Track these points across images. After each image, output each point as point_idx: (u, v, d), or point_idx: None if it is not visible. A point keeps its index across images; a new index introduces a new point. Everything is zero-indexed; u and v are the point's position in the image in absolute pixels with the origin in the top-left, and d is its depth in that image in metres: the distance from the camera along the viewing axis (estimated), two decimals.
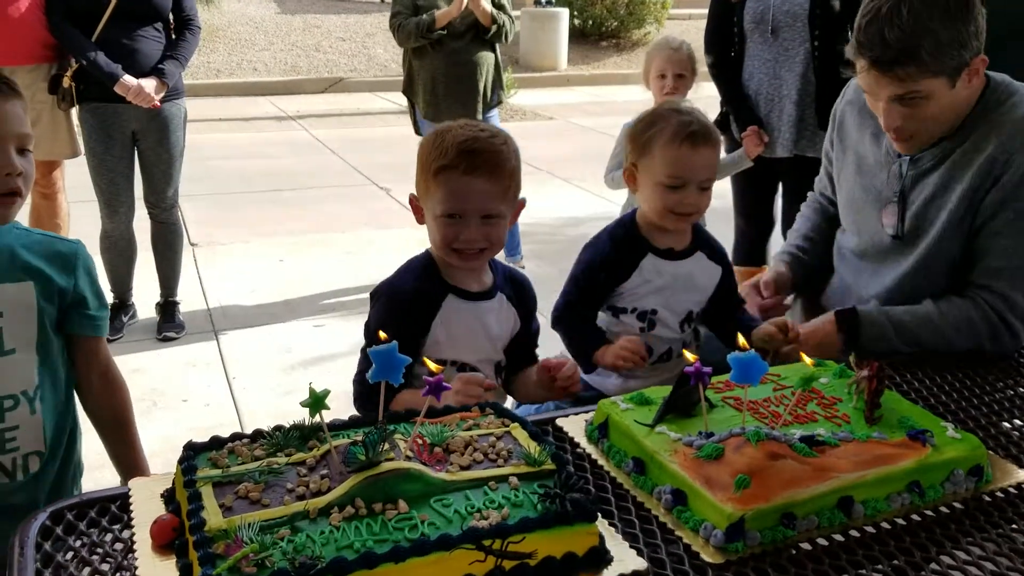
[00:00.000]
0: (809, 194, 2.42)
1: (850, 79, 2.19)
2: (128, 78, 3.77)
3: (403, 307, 1.74)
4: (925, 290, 1.93)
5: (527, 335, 1.89)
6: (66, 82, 3.81)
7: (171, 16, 3.98)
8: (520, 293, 1.88)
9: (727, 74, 3.70)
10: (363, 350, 1.73)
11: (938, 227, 1.91)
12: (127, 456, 1.83)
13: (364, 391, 1.74)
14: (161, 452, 3.12)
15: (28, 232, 1.69)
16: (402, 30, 4.56)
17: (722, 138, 3.83)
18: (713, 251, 2.05)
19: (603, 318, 2.03)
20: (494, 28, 4.54)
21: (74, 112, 3.96)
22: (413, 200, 1.79)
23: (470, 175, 1.66)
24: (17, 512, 1.37)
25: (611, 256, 1.98)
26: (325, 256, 5.34)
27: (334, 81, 11.82)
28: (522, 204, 1.82)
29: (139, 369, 3.82)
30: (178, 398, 3.64)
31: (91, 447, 1.86)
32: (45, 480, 1.69)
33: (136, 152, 4.02)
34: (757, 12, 3.55)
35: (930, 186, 1.93)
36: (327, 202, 6.62)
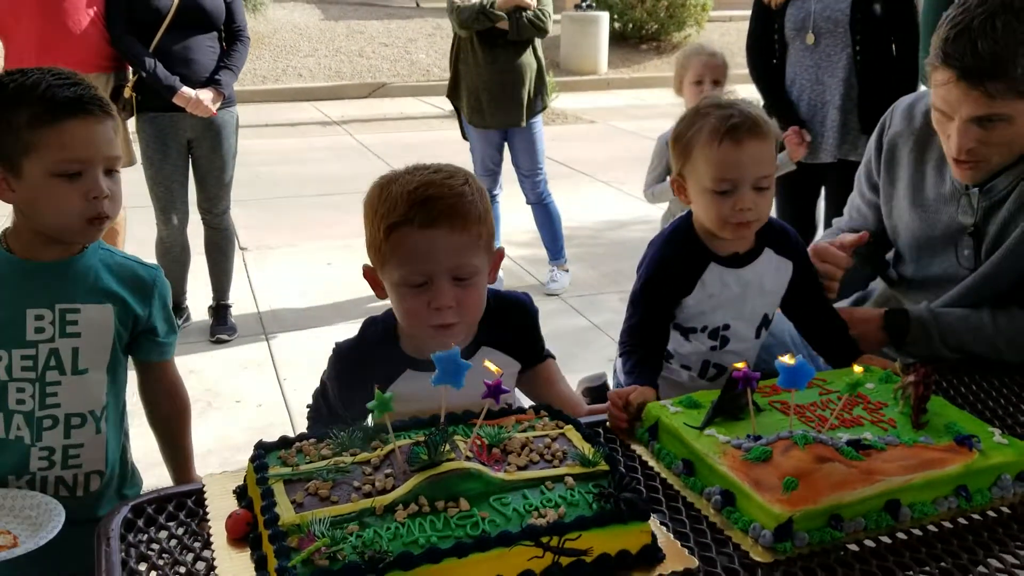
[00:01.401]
0: (836, 220, 2.33)
1: (897, 100, 2.15)
2: (186, 90, 3.89)
3: (353, 378, 1.55)
4: (987, 300, 1.91)
5: (541, 366, 1.69)
6: (127, 92, 3.94)
7: (222, 27, 4.10)
8: (513, 328, 1.64)
9: (770, 80, 3.72)
10: (315, 395, 1.68)
11: (1009, 245, 1.88)
12: (178, 460, 1.87)
13: (314, 420, 1.66)
14: (218, 451, 3.23)
15: (112, 253, 1.71)
16: (465, 11, 4.56)
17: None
18: (782, 244, 1.83)
19: (672, 339, 1.87)
20: (523, 31, 4.57)
21: (130, 121, 4.10)
22: (368, 272, 1.54)
23: (429, 227, 1.40)
24: (74, 525, 1.41)
25: (671, 264, 1.79)
26: None
27: (377, 86, 11.97)
28: (500, 254, 1.57)
29: (194, 370, 3.94)
30: (232, 399, 3.75)
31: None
32: (104, 497, 1.71)
33: (191, 159, 4.15)
34: (798, 19, 3.57)
35: (1004, 213, 1.89)
36: None
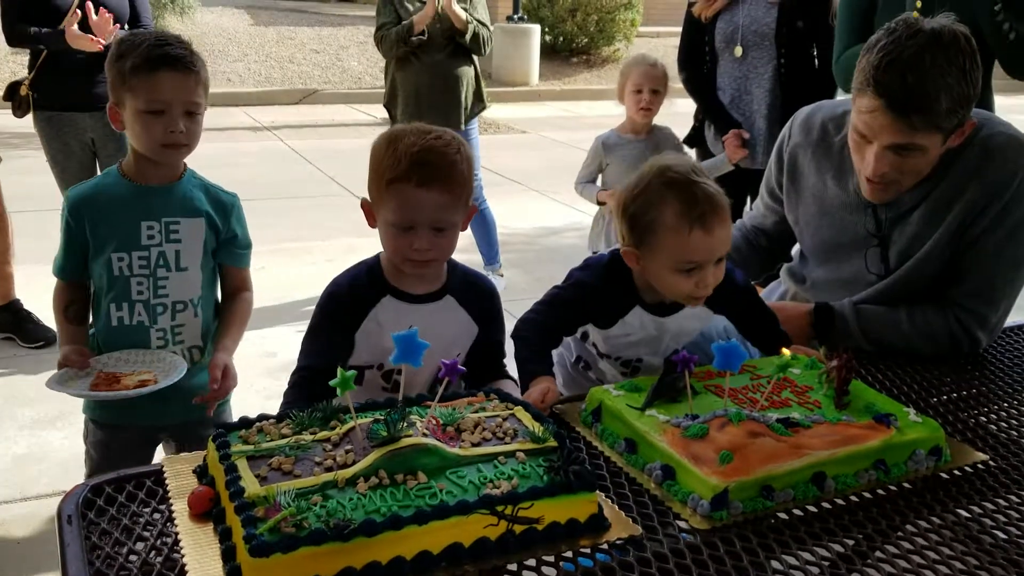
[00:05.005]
0: (739, 220, 2.42)
1: (796, 112, 2.23)
2: (73, 27, 3.78)
3: (337, 304, 1.75)
4: (903, 299, 2.03)
5: (488, 343, 1.82)
6: (23, 91, 3.87)
7: (127, 26, 4.02)
8: (478, 296, 1.82)
9: (702, 88, 3.86)
10: (305, 341, 1.80)
11: (921, 254, 1.98)
12: (227, 333, 2.25)
13: (300, 381, 1.73)
14: (160, 449, 3.19)
15: (200, 180, 2.25)
16: (385, 41, 4.67)
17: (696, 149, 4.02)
18: (712, 297, 1.79)
19: (588, 354, 1.96)
20: (470, 31, 4.63)
21: (27, 119, 4.01)
22: (365, 204, 1.77)
23: (423, 188, 1.63)
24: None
25: (598, 297, 1.83)
26: (306, 263, 5.43)
27: (308, 93, 11.89)
28: (474, 209, 1.80)
29: None
30: None
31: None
32: (199, 366, 2.21)
33: (96, 161, 4.07)
34: (727, 32, 3.72)
35: (913, 225, 1.98)
36: (306, 211, 6.70)
